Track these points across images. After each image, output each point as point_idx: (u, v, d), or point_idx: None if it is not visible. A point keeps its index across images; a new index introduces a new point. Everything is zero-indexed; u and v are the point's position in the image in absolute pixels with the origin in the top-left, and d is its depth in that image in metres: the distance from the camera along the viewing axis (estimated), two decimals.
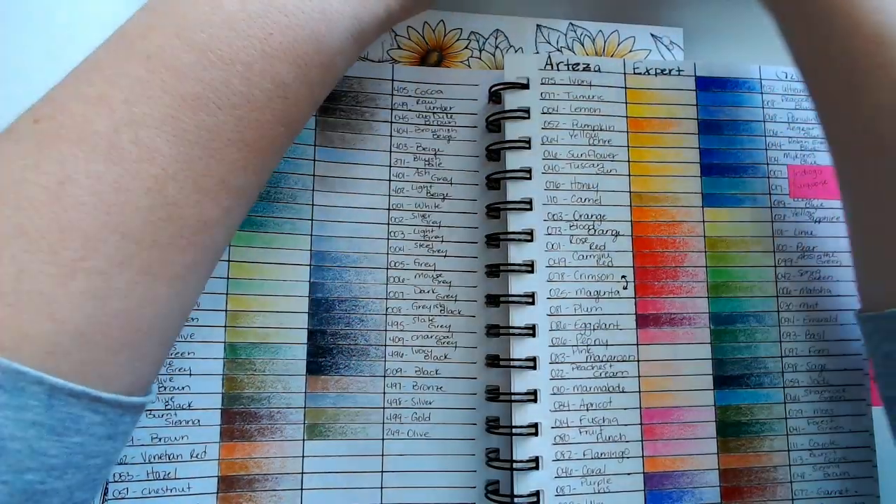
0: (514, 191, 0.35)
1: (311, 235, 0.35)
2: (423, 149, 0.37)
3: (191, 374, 0.32)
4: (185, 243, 0.22)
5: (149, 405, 0.25)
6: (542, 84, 0.36)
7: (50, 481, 0.19)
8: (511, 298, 0.34)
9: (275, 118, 0.24)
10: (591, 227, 0.35)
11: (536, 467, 0.33)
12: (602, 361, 0.34)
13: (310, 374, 0.34)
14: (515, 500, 0.32)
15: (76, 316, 0.19)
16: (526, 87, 0.36)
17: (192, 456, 0.32)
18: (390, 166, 0.36)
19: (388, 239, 0.36)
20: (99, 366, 0.20)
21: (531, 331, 0.34)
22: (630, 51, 0.40)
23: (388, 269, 0.35)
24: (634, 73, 0.37)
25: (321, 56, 0.24)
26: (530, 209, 0.35)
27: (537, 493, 0.33)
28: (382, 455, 0.34)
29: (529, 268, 0.35)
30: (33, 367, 0.18)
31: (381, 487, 0.34)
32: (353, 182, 0.36)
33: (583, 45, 0.40)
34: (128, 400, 0.22)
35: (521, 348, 0.34)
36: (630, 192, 0.36)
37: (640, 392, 0.35)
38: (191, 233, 0.22)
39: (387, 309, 0.35)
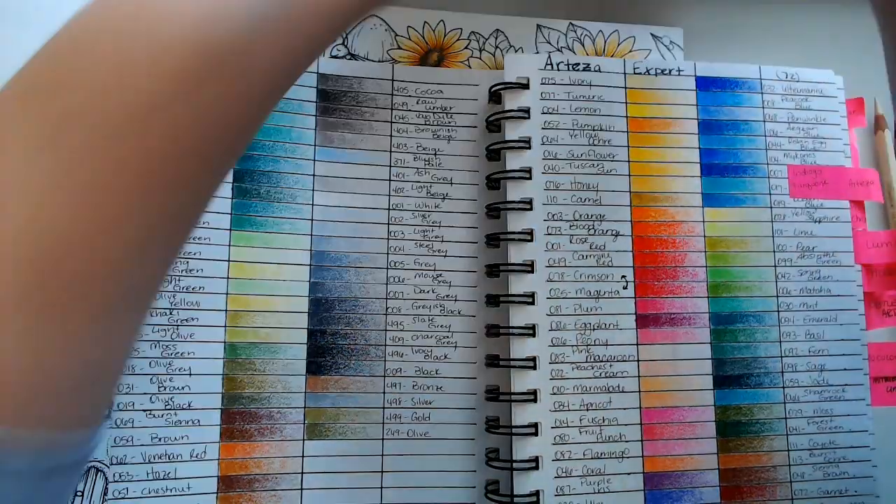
0: (514, 191, 0.35)
1: (311, 235, 0.35)
2: (423, 149, 0.37)
3: (191, 374, 0.32)
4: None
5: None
6: (542, 84, 0.36)
7: None
8: (511, 298, 0.34)
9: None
10: (591, 227, 0.35)
11: (536, 467, 0.33)
12: (602, 361, 0.34)
13: (310, 373, 0.34)
14: (515, 499, 0.32)
15: None
16: (526, 87, 0.36)
17: (192, 456, 0.32)
18: (390, 166, 0.36)
19: (388, 239, 0.36)
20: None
21: (531, 331, 0.34)
22: (630, 51, 0.40)
23: (388, 268, 0.35)
24: (634, 73, 0.37)
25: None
26: (530, 209, 0.35)
27: (537, 493, 0.33)
28: (382, 455, 0.34)
29: (529, 268, 0.35)
30: None
31: (381, 487, 0.34)
32: (353, 182, 0.36)
33: (583, 45, 0.40)
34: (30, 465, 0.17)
35: (520, 348, 0.34)
36: (630, 192, 0.36)
37: (639, 392, 0.35)
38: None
39: (387, 309, 0.35)
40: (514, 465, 0.33)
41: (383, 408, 0.34)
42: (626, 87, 0.37)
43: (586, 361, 0.34)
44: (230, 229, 0.34)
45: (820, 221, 0.38)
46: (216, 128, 0.20)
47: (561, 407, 0.34)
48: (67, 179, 0.17)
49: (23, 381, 0.17)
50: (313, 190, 0.35)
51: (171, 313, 0.32)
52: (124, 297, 0.19)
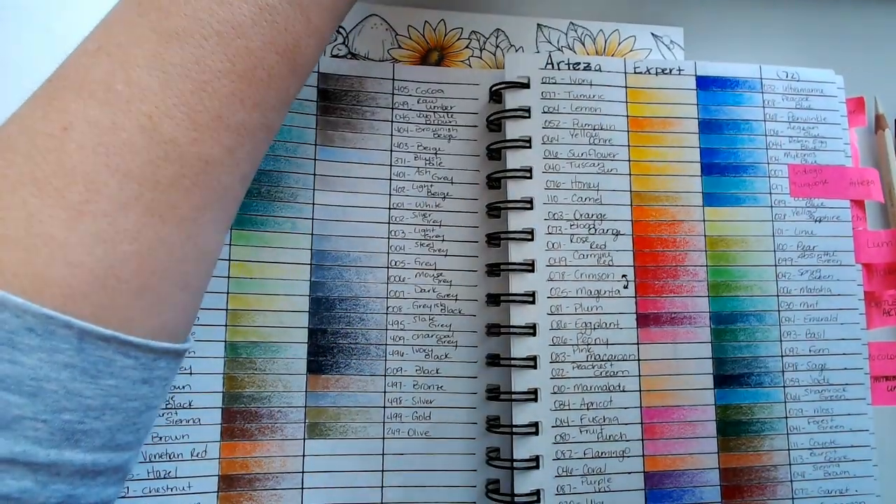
0: (515, 190, 0.35)
1: (312, 234, 0.35)
2: (424, 148, 0.37)
3: (191, 373, 0.32)
4: (189, 184, 0.22)
5: (188, 353, 0.26)
6: (542, 83, 0.36)
7: (88, 421, 0.20)
8: (511, 297, 0.34)
9: (264, 44, 0.23)
10: (591, 227, 0.35)
11: (537, 466, 0.33)
12: (602, 360, 0.34)
13: (310, 373, 0.34)
14: (516, 499, 0.32)
15: (88, 259, 0.20)
16: (526, 86, 0.36)
17: (192, 455, 0.32)
18: (391, 165, 0.36)
19: (388, 238, 0.36)
20: (119, 310, 0.21)
21: (531, 330, 0.34)
22: (630, 50, 0.40)
23: (388, 268, 0.35)
24: (635, 73, 0.37)
25: None
26: (531, 208, 0.35)
27: (537, 493, 0.33)
28: (383, 454, 0.34)
29: (530, 267, 0.35)
30: (56, 310, 0.19)
31: (382, 486, 0.34)
32: (354, 181, 0.36)
33: (583, 44, 0.40)
34: (159, 345, 0.22)
35: (521, 347, 0.34)
36: (630, 191, 0.36)
37: (640, 391, 0.35)
38: (193, 172, 0.22)
39: (387, 308, 0.35)
40: (515, 464, 0.33)
41: (384, 407, 0.34)
42: (626, 87, 0.37)
43: (587, 360, 0.34)
44: (231, 228, 0.34)
45: (820, 221, 0.38)
46: (303, 32, 0.24)
47: (561, 406, 0.34)
48: (178, 83, 0.21)
49: (133, 270, 0.21)
50: (314, 189, 0.35)
51: None
52: (217, 198, 0.23)
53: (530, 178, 0.35)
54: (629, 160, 0.36)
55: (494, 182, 0.36)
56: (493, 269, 0.35)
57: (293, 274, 0.34)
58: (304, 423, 0.34)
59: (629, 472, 0.34)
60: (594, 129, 0.36)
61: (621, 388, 0.34)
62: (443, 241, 0.36)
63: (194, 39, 0.22)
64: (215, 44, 0.22)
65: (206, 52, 0.22)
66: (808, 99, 0.39)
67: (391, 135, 0.37)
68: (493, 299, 0.35)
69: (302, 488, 0.33)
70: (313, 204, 0.35)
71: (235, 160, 0.24)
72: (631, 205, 0.36)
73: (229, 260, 0.34)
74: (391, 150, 0.36)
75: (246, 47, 0.23)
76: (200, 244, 0.23)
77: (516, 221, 0.35)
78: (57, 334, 0.19)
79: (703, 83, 0.38)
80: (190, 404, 0.32)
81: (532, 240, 0.35)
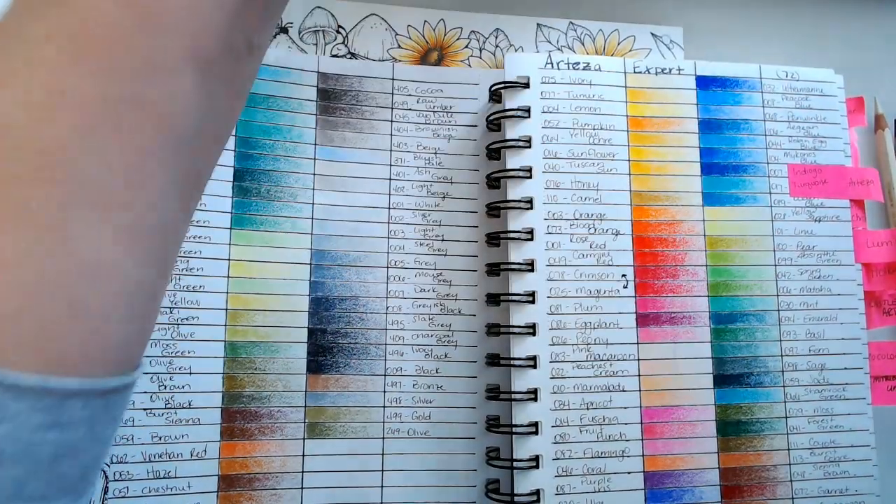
0: (515, 190, 0.35)
1: (312, 234, 0.35)
2: (424, 148, 0.37)
3: (191, 373, 0.32)
4: (36, 177, 0.18)
5: (135, 386, 0.22)
6: (542, 83, 0.36)
7: None
8: (511, 297, 0.34)
9: None
10: (591, 226, 0.35)
11: (536, 466, 0.33)
12: (602, 360, 0.34)
13: (310, 372, 0.34)
14: (515, 498, 0.32)
15: None
16: (526, 86, 0.36)
17: (192, 454, 0.32)
18: (391, 165, 0.36)
19: (388, 238, 0.36)
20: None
21: (531, 329, 0.34)
22: (630, 50, 0.40)
23: (388, 267, 0.35)
24: (635, 73, 0.37)
25: None
26: (531, 208, 0.35)
27: (537, 492, 0.33)
28: (383, 454, 0.34)
29: (530, 267, 0.35)
30: None
31: (382, 486, 0.34)
32: (354, 181, 0.36)
33: (583, 44, 0.40)
34: (59, 384, 0.18)
35: (521, 347, 0.34)
36: (630, 191, 0.36)
37: (640, 391, 0.35)
38: (35, 163, 0.18)
39: (387, 308, 0.35)
40: (515, 464, 0.33)
41: (384, 407, 0.34)
42: (626, 87, 0.37)
43: (587, 360, 0.34)
44: (230, 228, 0.34)
45: (820, 221, 0.38)
46: None
47: (561, 406, 0.34)
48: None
49: (78, 320, 0.18)
50: (314, 189, 0.35)
51: (171, 312, 0.32)
52: (85, 195, 0.19)
53: (530, 177, 0.35)
54: (629, 160, 0.36)
55: (494, 182, 0.36)
56: (493, 269, 0.35)
57: (293, 273, 0.34)
58: (304, 422, 0.34)
59: (629, 472, 0.34)
60: (594, 129, 0.36)
61: (621, 388, 0.34)
62: (442, 240, 0.36)
63: None
64: None
65: None
66: (808, 99, 0.39)
67: (391, 134, 0.37)
68: (493, 299, 0.35)
69: (301, 488, 0.33)
70: (313, 204, 0.35)
71: (94, 143, 0.19)
72: (631, 204, 0.36)
73: (229, 259, 0.34)
74: (391, 150, 0.36)
75: None
76: (82, 255, 0.19)
77: (516, 221, 0.35)
78: None
79: (703, 83, 0.38)
80: (190, 404, 0.32)
81: (532, 240, 0.35)
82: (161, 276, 0.21)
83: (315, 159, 0.35)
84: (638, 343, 0.35)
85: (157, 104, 0.20)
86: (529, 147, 0.36)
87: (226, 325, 0.33)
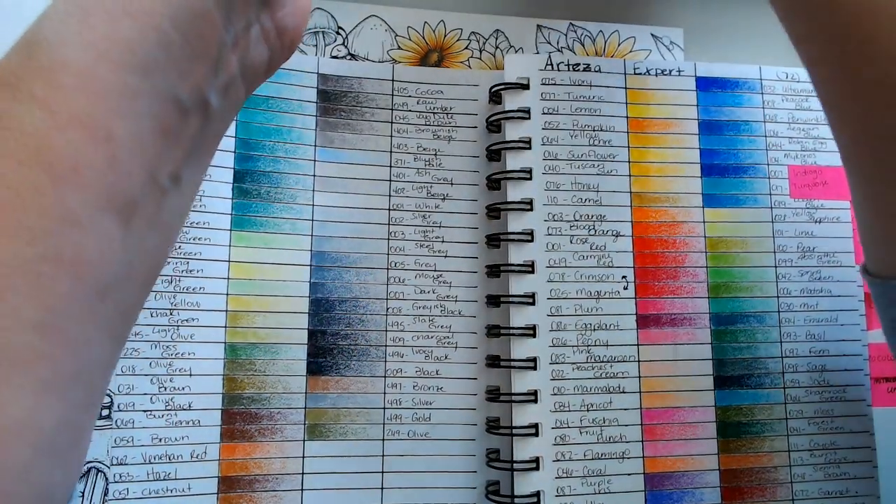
0: (515, 191, 0.35)
1: (312, 235, 0.35)
2: (424, 149, 0.37)
3: (191, 375, 0.32)
4: None
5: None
6: (542, 84, 0.36)
7: None
8: (511, 299, 0.34)
9: None
10: (591, 228, 0.35)
11: (537, 468, 0.33)
12: (602, 362, 0.34)
13: (310, 374, 0.34)
14: (516, 500, 0.32)
15: None
16: (526, 87, 0.36)
17: (192, 456, 0.32)
18: (390, 166, 0.36)
19: (388, 239, 0.36)
20: None
21: (531, 331, 0.34)
22: (630, 51, 0.40)
23: (388, 269, 0.35)
24: (635, 74, 0.37)
25: None
26: (531, 209, 0.35)
27: (538, 494, 0.33)
28: (383, 455, 0.34)
29: (530, 268, 0.34)
30: None
31: (382, 488, 0.34)
32: (354, 182, 0.36)
33: (583, 45, 0.40)
34: None
35: (521, 349, 0.34)
36: (630, 192, 0.36)
37: (640, 392, 0.34)
38: None
39: (387, 309, 0.35)
40: (515, 465, 0.33)
41: (384, 408, 0.34)
42: (626, 88, 0.37)
43: (587, 362, 0.34)
44: (230, 229, 0.34)
45: (820, 222, 0.38)
46: None
47: (561, 407, 0.34)
48: None
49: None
50: (313, 190, 0.35)
51: (171, 314, 0.32)
52: None
53: (530, 179, 0.35)
54: (629, 161, 0.36)
55: (494, 183, 0.36)
56: (493, 271, 0.35)
57: (293, 275, 0.34)
58: (304, 424, 0.34)
59: (629, 474, 0.34)
60: (594, 130, 0.36)
61: (621, 390, 0.34)
62: (442, 242, 0.36)
63: None
64: None
65: None
66: (808, 100, 0.39)
67: (391, 136, 0.37)
68: (493, 300, 0.35)
69: (302, 490, 0.33)
70: (313, 205, 0.35)
71: (4, 307, 0.18)
72: (631, 206, 0.36)
73: (229, 261, 0.34)
74: (391, 152, 0.36)
75: None
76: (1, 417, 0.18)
77: (516, 223, 0.35)
78: None
79: (703, 84, 0.38)
80: (189, 406, 0.32)
81: (532, 241, 0.35)
82: (86, 412, 0.21)
83: (315, 161, 0.35)
84: (638, 344, 0.35)
85: (76, 256, 0.19)
86: (529, 148, 0.36)
87: (226, 327, 0.33)
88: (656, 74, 0.38)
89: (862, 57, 0.25)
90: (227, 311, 0.33)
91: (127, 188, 0.20)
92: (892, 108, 0.25)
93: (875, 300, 0.31)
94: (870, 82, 0.25)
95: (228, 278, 0.33)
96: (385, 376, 0.35)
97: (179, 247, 0.33)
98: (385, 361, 0.35)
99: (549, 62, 0.37)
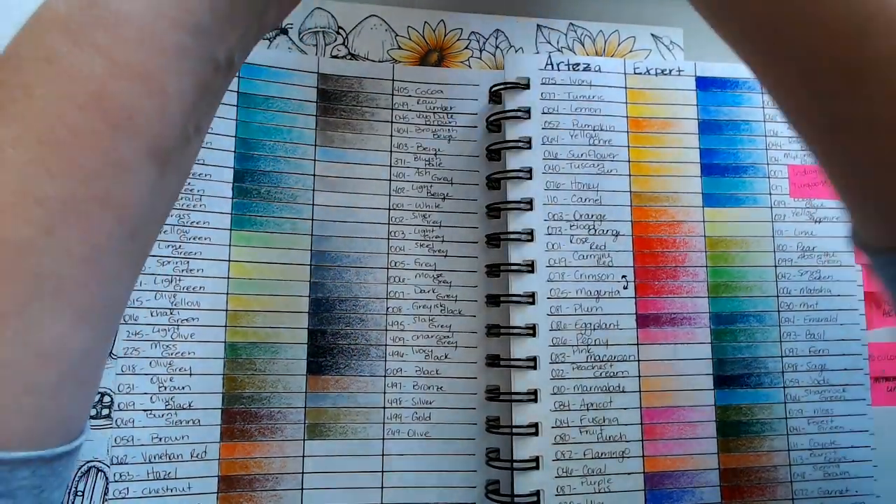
0: (515, 191, 0.35)
1: (312, 235, 0.35)
2: (424, 149, 0.37)
3: (191, 374, 0.32)
4: None
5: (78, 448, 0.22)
6: (542, 84, 0.36)
7: None
8: (511, 298, 0.34)
9: (59, 97, 0.20)
10: (591, 227, 0.35)
11: (537, 467, 0.33)
12: (602, 361, 0.34)
13: (310, 373, 0.34)
14: (516, 499, 0.32)
15: None
16: (526, 87, 0.36)
17: (192, 456, 0.32)
18: (391, 166, 0.36)
19: (388, 239, 0.36)
20: None
21: (531, 331, 0.34)
22: (630, 51, 0.40)
23: (388, 268, 0.35)
24: (635, 74, 0.37)
25: None
26: (531, 209, 0.35)
27: (537, 493, 0.33)
28: (383, 455, 0.34)
29: (530, 268, 0.35)
30: None
31: (382, 487, 0.34)
32: (354, 182, 0.36)
33: (583, 45, 0.40)
34: (9, 456, 0.19)
35: (521, 348, 0.34)
36: (630, 191, 0.36)
37: (640, 392, 0.35)
38: None
39: (387, 309, 0.35)
40: (515, 464, 0.33)
41: (384, 408, 0.34)
42: (626, 87, 0.37)
43: (587, 361, 0.34)
44: (230, 229, 0.34)
45: (820, 221, 0.38)
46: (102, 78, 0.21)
47: (561, 407, 0.34)
48: None
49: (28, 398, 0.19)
50: (314, 190, 0.35)
51: (171, 313, 0.32)
52: (44, 287, 0.20)
53: (530, 178, 0.35)
54: (629, 161, 0.36)
55: (494, 183, 0.36)
56: (493, 270, 0.35)
57: (293, 275, 0.34)
58: (304, 423, 0.34)
59: (629, 473, 0.34)
60: (594, 130, 0.36)
61: (621, 389, 0.34)
62: (443, 241, 0.36)
63: None
64: None
65: None
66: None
67: (391, 135, 0.37)
68: (493, 300, 0.35)
69: (302, 489, 0.33)
70: (313, 205, 0.35)
71: (57, 240, 0.19)
72: (631, 205, 0.36)
73: (229, 260, 0.34)
74: (391, 151, 0.36)
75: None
76: (37, 342, 0.19)
77: (516, 222, 0.35)
78: None
79: (703, 84, 0.38)
80: (190, 405, 0.32)
81: (532, 240, 0.35)
82: (106, 342, 0.23)
83: (315, 160, 0.35)
84: (638, 344, 0.35)
85: (120, 199, 0.21)
86: (529, 148, 0.36)
87: (226, 327, 0.33)
88: (656, 74, 0.38)
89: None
90: (227, 310, 0.33)
91: (168, 137, 0.22)
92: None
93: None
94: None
95: (228, 278, 0.34)
96: (385, 376, 0.35)
97: (179, 246, 0.33)
98: (385, 361, 0.35)
99: (549, 62, 0.37)
